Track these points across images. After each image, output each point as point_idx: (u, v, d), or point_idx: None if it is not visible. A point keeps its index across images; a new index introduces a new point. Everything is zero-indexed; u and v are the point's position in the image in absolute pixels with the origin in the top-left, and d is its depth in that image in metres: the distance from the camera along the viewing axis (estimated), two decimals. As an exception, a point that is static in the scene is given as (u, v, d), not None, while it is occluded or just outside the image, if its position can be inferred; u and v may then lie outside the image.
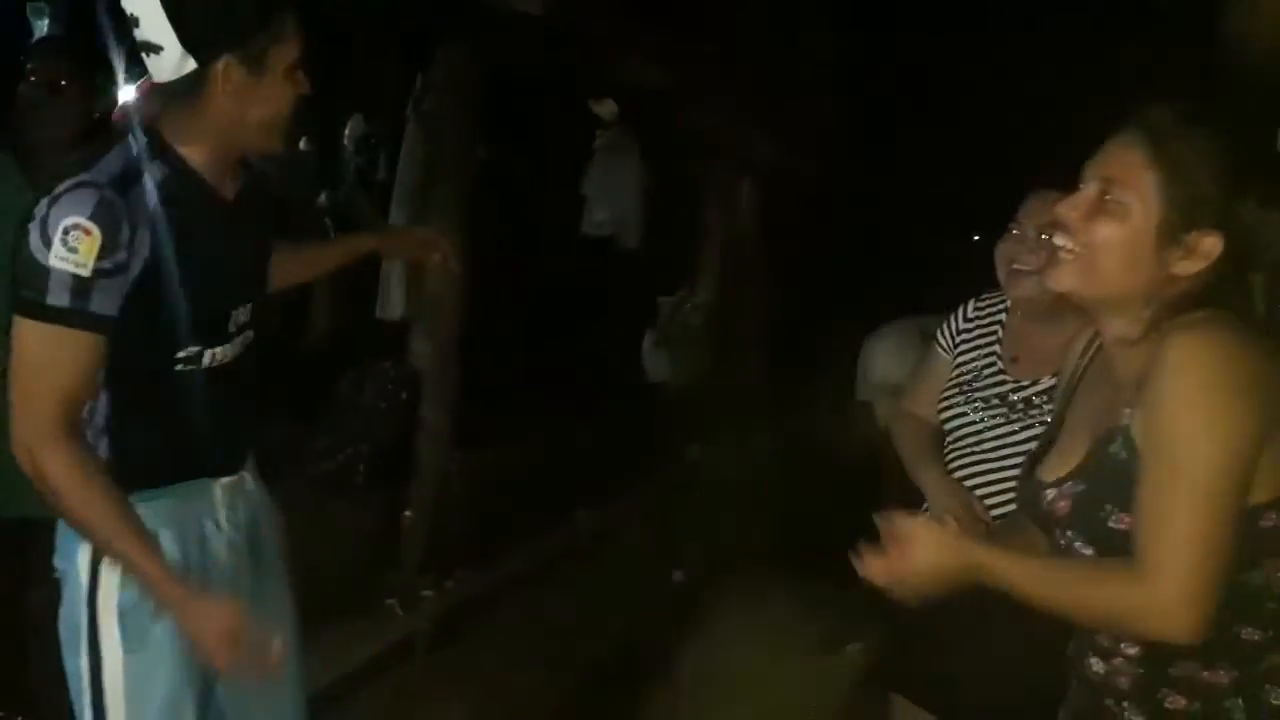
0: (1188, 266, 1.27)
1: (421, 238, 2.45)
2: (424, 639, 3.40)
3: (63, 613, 1.64)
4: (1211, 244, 1.25)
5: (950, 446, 2.08)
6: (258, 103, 1.55)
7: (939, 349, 2.19)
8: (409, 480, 3.69)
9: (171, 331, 1.56)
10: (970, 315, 2.17)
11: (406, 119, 4.82)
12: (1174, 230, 1.26)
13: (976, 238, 3.10)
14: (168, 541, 1.60)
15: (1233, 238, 1.26)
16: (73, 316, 1.45)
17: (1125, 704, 1.36)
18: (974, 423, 2.03)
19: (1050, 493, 1.37)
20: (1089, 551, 1.33)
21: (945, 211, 5.34)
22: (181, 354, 1.59)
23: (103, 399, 1.58)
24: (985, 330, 2.13)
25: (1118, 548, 1.27)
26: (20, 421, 1.48)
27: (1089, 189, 1.30)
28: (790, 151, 7.54)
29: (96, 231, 1.43)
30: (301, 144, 5.59)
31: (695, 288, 7.84)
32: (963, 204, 4.63)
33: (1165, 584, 1.19)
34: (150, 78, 1.55)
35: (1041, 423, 1.88)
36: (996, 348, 2.08)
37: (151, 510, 1.58)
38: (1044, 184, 1.92)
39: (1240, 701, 1.30)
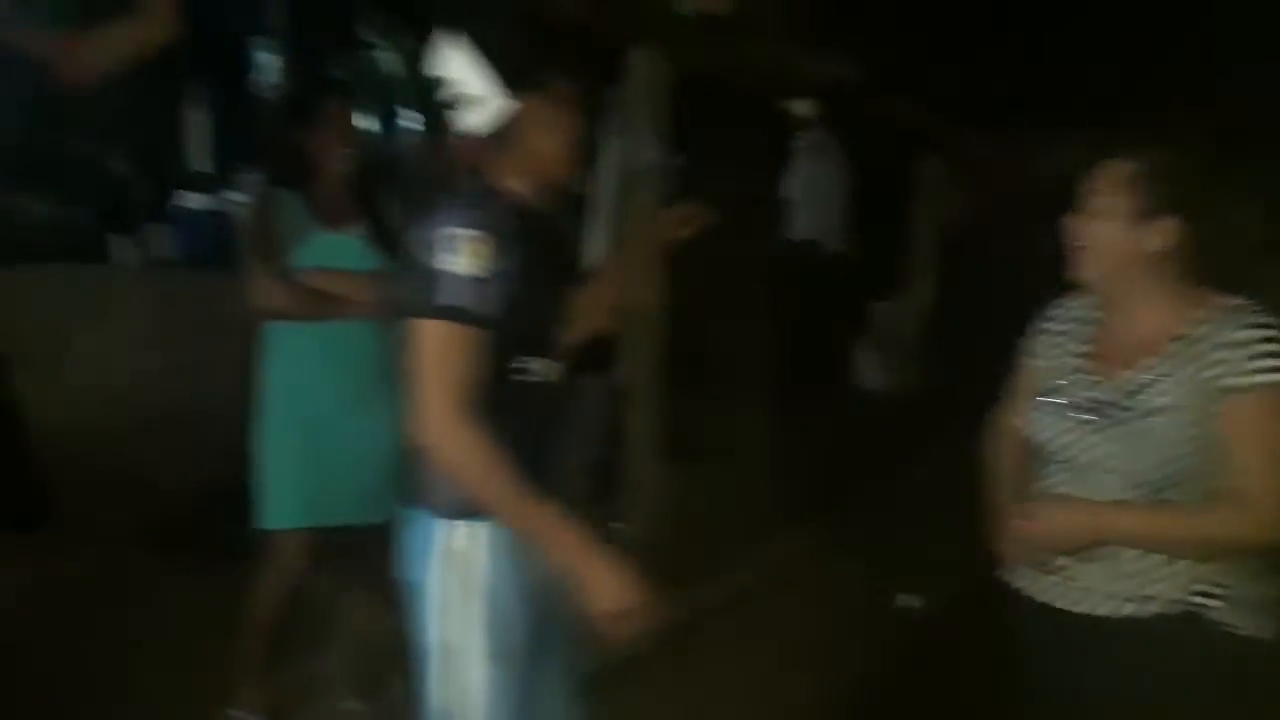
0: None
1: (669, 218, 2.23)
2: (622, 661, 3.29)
3: (420, 624, 1.78)
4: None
5: (1044, 461, 1.87)
6: (556, 133, 1.80)
7: (1028, 354, 1.98)
8: (618, 493, 3.64)
9: (516, 339, 1.74)
10: (1055, 313, 1.97)
11: (599, 131, 4.79)
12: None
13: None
14: (508, 571, 1.75)
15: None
16: (468, 314, 1.67)
17: None
18: (1064, 432, 1.82)
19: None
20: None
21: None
22: (522, 363, 1.77)
23: None
24: (1071, 327, 1.92)
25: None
26: (426, 411, 1.67)
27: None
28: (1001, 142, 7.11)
29: (484, 240, 1.67)
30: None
31: (909, 290, 7.53)
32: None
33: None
34: (458, 124, 1.82)
35: (1139, 419, 1.72)
36: (1083, 345, 1.89)
37: (493, 537, 1.74)
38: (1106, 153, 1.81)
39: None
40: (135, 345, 5.35)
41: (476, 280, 1.67)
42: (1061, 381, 1.87)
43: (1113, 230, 1.76)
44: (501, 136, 1.79)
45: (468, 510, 1.73)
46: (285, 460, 2.77)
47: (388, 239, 2.78)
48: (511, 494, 1.66)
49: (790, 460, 4.66)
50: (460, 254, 1.67)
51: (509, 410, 1.73)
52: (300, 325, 2.75)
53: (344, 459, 2.78)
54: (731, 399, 4.87)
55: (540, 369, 1.80)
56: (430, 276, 1.68)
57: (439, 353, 1.68)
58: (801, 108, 5.69)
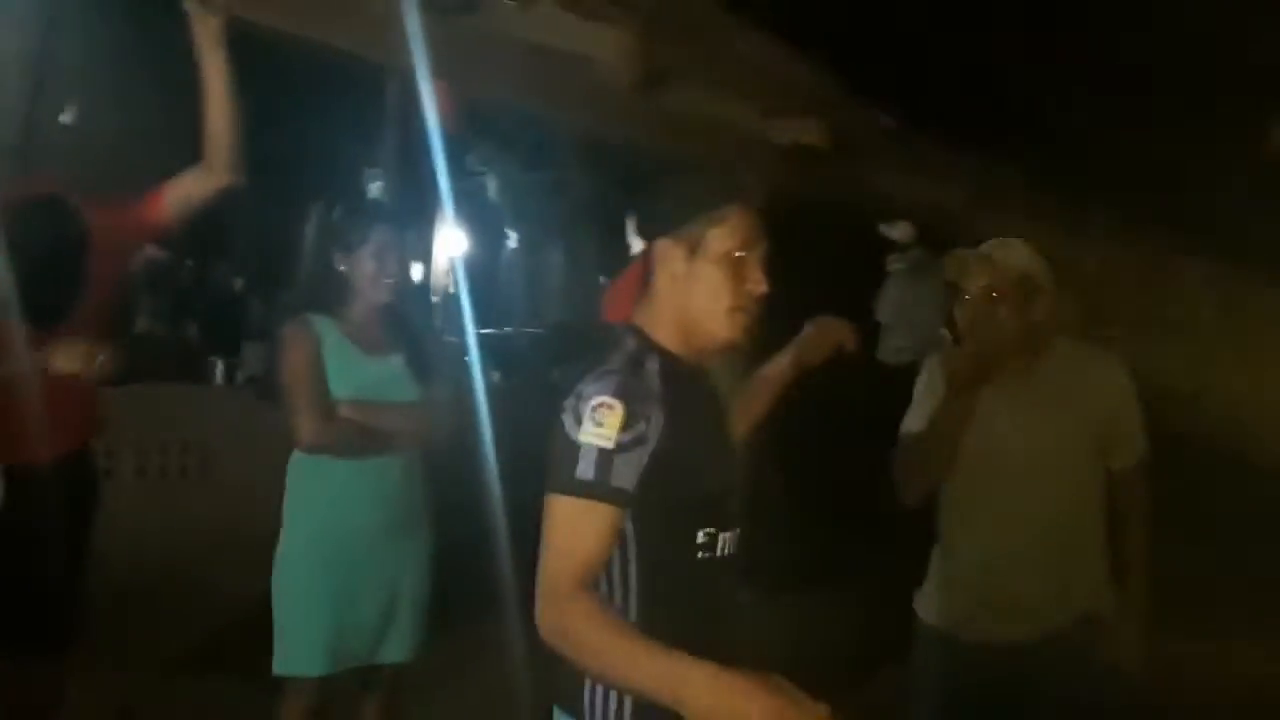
0: None
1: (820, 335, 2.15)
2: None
3: None
4: None
5: None
6: (696, 287, 1.63)
7: None
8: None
9: (689, 509, 1.61)
10: None
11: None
12: None
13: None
14: None
15: None
16: (596, 488, 1.53)
17: None
18: None
19: None
20: None
21: None
22: (700, 537, 1.62)
23: (633, 594, 1.61)
24: None
25: None
26: (547, 588, 1.53)
27: None
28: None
29: (619, 406, 1.54)
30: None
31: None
32: None
33: None
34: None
35: None
36: None
37: None
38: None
39: None
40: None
41: (613, 450, 1.53)
42: None
43: None
44: (650, 285, 1.68)
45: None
46: (307, 602, 2.62)
47: (425, 368, 2.73)
48: (636, 652, 1.44)
49: (881, 595, 4.48)
50: (598, 422, 1.53)
51: (702, 596, 1.61)
52: (328, 461, 2.64)
53: (369, 599, 2.66)
54: (818, 526, 4.73)
55: (728, 541, 1.66)
56: (567, 447, 1.54)
57: (565, 529, 1.55)
58: (897, 231, 5.67)
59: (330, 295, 2.70)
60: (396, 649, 2.72)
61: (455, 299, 10.64)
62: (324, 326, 2.68)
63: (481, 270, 11.09)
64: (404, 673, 2.82)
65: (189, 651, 3.82)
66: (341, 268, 2.67)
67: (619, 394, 1.54)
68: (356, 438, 2.62)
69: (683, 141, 4.21)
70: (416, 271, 10.76)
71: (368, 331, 2.71)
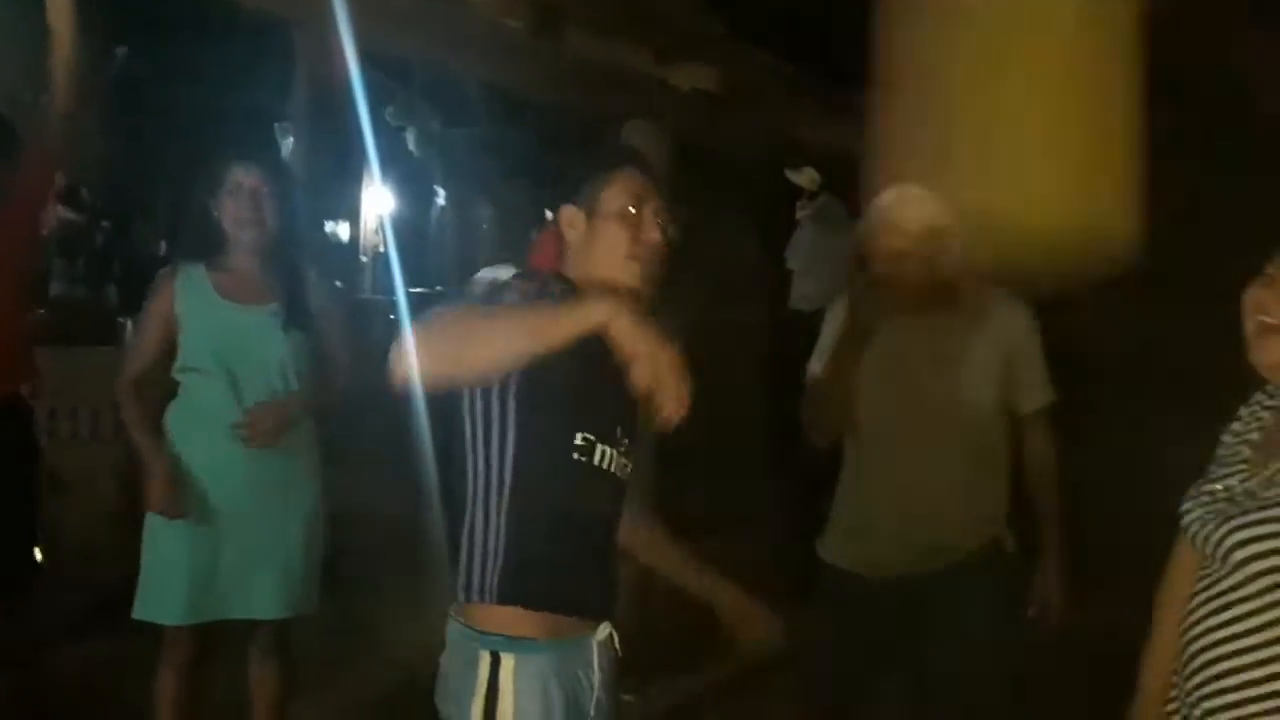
0: None
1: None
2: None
3: None
4: None
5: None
6: (597, 243, 1.75)
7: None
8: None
9: (569, 410, 1.67)
10: (1260, 396, 1.69)
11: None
12: None
13: None
14: (554, 689, 1.65)
15: None
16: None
17: None
18: (1193, 524, 1.60)
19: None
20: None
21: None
22: (578, 439, 1.68)
23: (507, 473, 1.67)
24: (1264, 410, 1.66)
25: None
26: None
27: None
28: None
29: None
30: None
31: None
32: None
33: None
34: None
35: (1244, 513, 1.50)
36: (1255, 433, 1.63)
37: (539, 661, 1.65)
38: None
39: None
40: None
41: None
42: (1218, 470, 1.64)
43: None
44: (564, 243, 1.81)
45: (515, 640, 1.65)
46: (169, 551, 2.61)
47: (303, 319, 2.68)
48: (521, 311, 1.62)
49: (788, 532, 4.55)
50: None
51: (573, 501, 1.69)
52: (198, 402, 2.64)
53: (238, 553, 2.63)
54: (729, 474, 4.79)
55: (606, 455, 1.72)
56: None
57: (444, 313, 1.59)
58: (804, 177, 5.69)
59: (206, 243, 2.68)
60: (273, 605, 2.69)
61: (385, 258, 10.54)
62: (193, 276, 2.66)
63: (411, 229, 10.98)
64: (293, 629, 2.81)
65: (101, 610, 3.81)
66: (215, 214, 2.65)
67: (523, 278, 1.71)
68: (139, 424, 2.64)
69: (583, 90, 4.21)
70: (344, 231, 10.64)
71: (241, 281, 2.67)
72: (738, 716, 3.53)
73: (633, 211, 1.76)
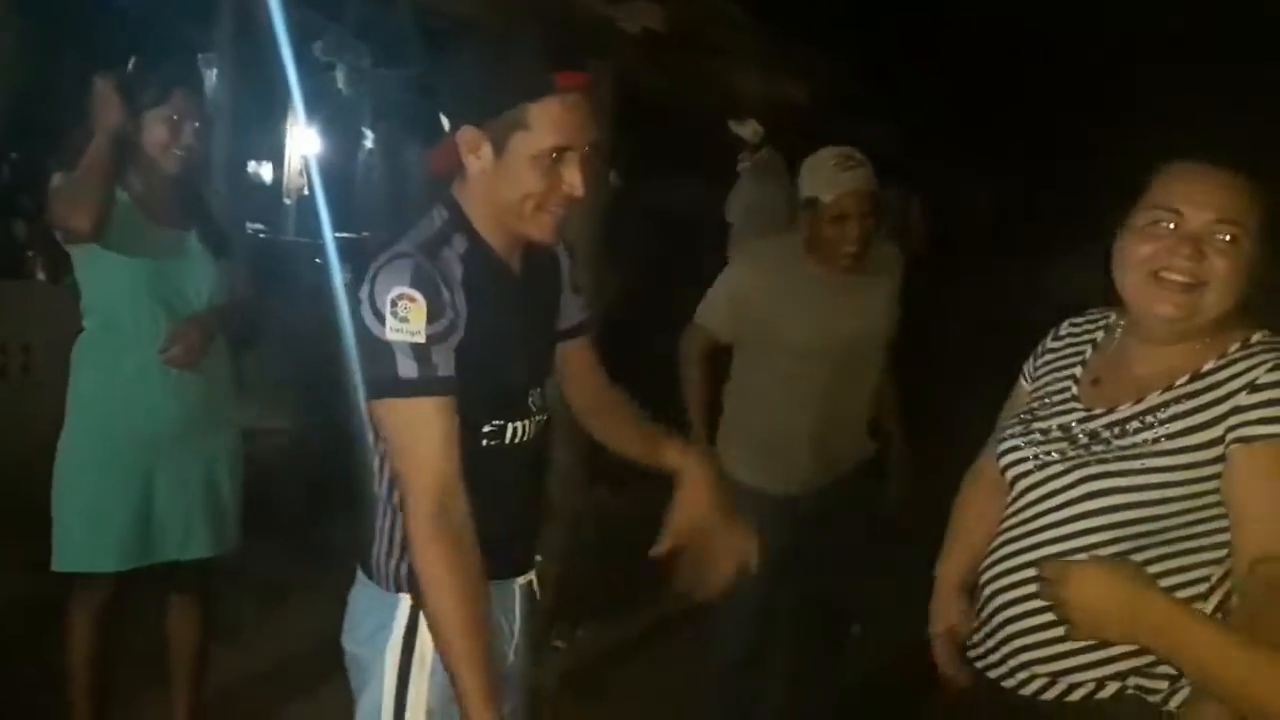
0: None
1: (715, 519, 1.87)
2: (550, 694, 3.18)
3: (363, 704, 1.63)
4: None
5: (1009, 498, 1.65)
6: (502, 183, 1.51)
7: (1021, 380, 1.81)
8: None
9: (481, 401, 1.55)
10: (1062, 334, 1.77)
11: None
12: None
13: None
14: None
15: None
16: (423, 384, 1.46)
17: None
18: (1026, 460, 1.61)
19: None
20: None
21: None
22: (488, 427, 1.58)
23: None
24: (1074, 350, 1.72)
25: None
26: (412, 501, 1.48)
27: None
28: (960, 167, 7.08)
29: (420, 298, 1.45)
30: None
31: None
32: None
33: None
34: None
35: (1101, 462, 1.50)
36: (1077, 370, 1.68)
37: None
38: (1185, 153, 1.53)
39: None
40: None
41: (425, 344, 1.45)
42: (1045, 408, 1.65)
43: (1242, 260, 1.47)
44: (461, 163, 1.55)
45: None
46: (90, 495, 2.50)
47: (221, 248, 2.63)
48: (465, 643, 1.45)
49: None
50: (401, 317, 1.44)
51: (489, 484, 1.56)
52: (117, 340, 2.51)
53: (159, 493, 2.54)
54: (658, 423, 4.75)
55: (518, 431, 1.62)
56: (378, 347, 1.46)
57: (408, 434, 1.47)
58: (746, 129, 5.62)
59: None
60: (203, 542, 2.61)
61: (310, 201, 10.24)
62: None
63: (337, 172, 10.68)
64: (215, 571, 2.73)
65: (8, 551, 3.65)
66: (131, 133, 2.51)
67: (416, 284, 1.45)
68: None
69: (526, 27, 4.06)
70: (267, 172, 10.31)
71: (156, 202, 2.57)
72: (668, 660, 3.53)
73: (558, 155, 1.50)
